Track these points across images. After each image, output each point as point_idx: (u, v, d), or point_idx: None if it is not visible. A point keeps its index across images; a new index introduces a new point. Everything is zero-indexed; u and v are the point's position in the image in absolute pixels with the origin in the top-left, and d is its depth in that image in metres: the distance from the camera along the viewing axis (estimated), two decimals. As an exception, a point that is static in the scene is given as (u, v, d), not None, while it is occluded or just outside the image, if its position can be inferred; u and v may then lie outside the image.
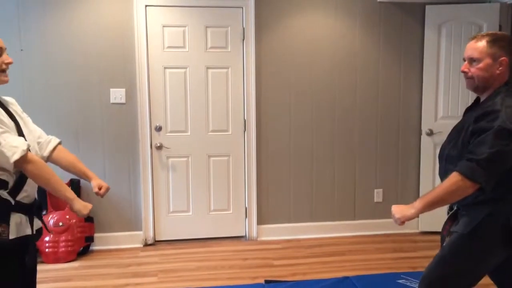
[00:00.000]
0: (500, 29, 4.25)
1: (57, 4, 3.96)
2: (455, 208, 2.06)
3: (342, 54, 4.37)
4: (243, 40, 4.20)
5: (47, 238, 3.79)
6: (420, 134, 4.48)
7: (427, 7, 4.32)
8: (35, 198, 2.05)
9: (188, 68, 4.18)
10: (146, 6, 4.04)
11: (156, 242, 4.27)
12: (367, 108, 4.41)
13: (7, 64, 1.92)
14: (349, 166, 4.47)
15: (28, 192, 1.94)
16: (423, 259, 3.86)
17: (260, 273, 3.62)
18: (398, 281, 3.32)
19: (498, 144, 1.80)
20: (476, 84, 2.00)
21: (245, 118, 4.29)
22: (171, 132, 4.22)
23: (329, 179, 4.46)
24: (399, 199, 4.55)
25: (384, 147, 4.51)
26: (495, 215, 1.90)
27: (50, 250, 3.81)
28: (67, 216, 3.87)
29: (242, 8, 4.17)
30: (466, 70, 2.01)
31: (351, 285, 3.24)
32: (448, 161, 2.02)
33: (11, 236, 1.84)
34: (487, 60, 1.95)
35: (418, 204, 1.89)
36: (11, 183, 1.86)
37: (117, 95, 4.07)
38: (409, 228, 4.54)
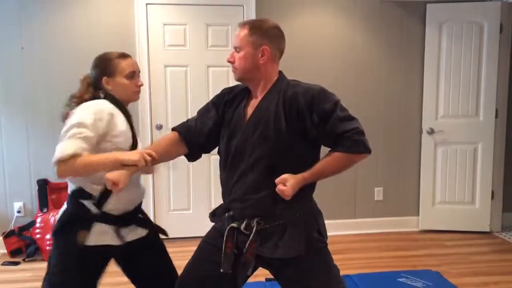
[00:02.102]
0: (501, 28, 4.25)
1: (58, 2, 3.96)
2: (254, 223, 1.91)
3: (343, 52, 4.37)
4: (244, 38, 4.19)
5: (48, 236, 3.80)
6: (421, 132, 4.48)
7: (428, 5, 4.32)
8: (130, 211, 2.06)
9: (189, 67, 4.18)
10: (146, 4, 4.04)
11: (156, 240, 4.27)
12: (368, 106, 4.41)
13: (139, 86, 2.19)
14: (350, 165, 4.46)
15: (113, 206, 1.96)
16: (423, 257, 3.86)
17: (261, 270, 3.60)
18: (399, 279, 3.32)
19: (350, 114, 1.87)
20: (240, 75, 1.90)
21: (246, 116, 4.28)
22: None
23: (329, 177, 4.45)
24: (399, 197, 4.56)
25: (384, 145, 4.50)
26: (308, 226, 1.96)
27: (51, 247, 3.81)
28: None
29: (243, 6, 4.17)
30: (231, 60, 1.90)
31: (352, 284, 3.24)
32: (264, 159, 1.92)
33: (89, 244, 1.91)
34: (248, 49, 1.84)
35: (306, 174, 1.92)
36: (97, 195, 1.93)
37: (118, 93, 4.07)
38: (410, 227, 4.55)
